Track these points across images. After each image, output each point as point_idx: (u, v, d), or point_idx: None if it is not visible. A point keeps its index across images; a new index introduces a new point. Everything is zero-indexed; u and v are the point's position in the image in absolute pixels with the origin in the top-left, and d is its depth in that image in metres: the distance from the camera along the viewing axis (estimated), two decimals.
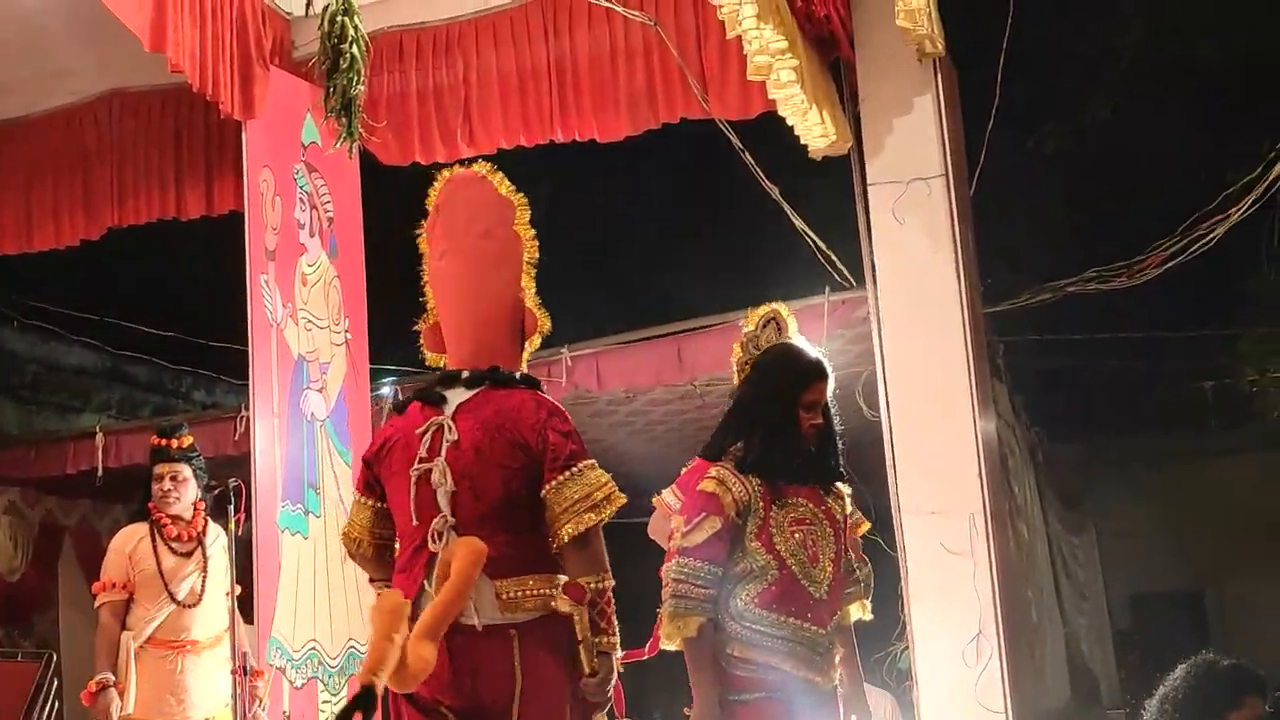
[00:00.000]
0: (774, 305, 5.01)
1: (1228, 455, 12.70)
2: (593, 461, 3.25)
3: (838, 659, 3.73)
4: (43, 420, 10.10)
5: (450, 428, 3.22)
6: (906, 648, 5.75)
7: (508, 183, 3.54)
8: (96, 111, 7.00)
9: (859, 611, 3.91)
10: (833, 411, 3.81)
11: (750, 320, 4.95)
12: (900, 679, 6.31)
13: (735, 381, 4.05)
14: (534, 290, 3.50)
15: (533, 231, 3.50)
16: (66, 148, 7.03)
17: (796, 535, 3.58)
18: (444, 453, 3.20)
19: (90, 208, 6.99)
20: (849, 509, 3.88)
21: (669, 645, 3.61)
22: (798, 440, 3.65)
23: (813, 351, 3.98)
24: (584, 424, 7.18)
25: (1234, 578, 13.16)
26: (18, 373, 9.78)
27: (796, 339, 4.58)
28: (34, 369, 10.06)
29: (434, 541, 3.16)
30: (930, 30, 5.49)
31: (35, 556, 8.98)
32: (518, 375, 3.38)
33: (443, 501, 3.18)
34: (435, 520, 3.18)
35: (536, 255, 3.50)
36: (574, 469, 3.19)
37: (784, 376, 3.74)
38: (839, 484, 3.84)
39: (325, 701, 5.98)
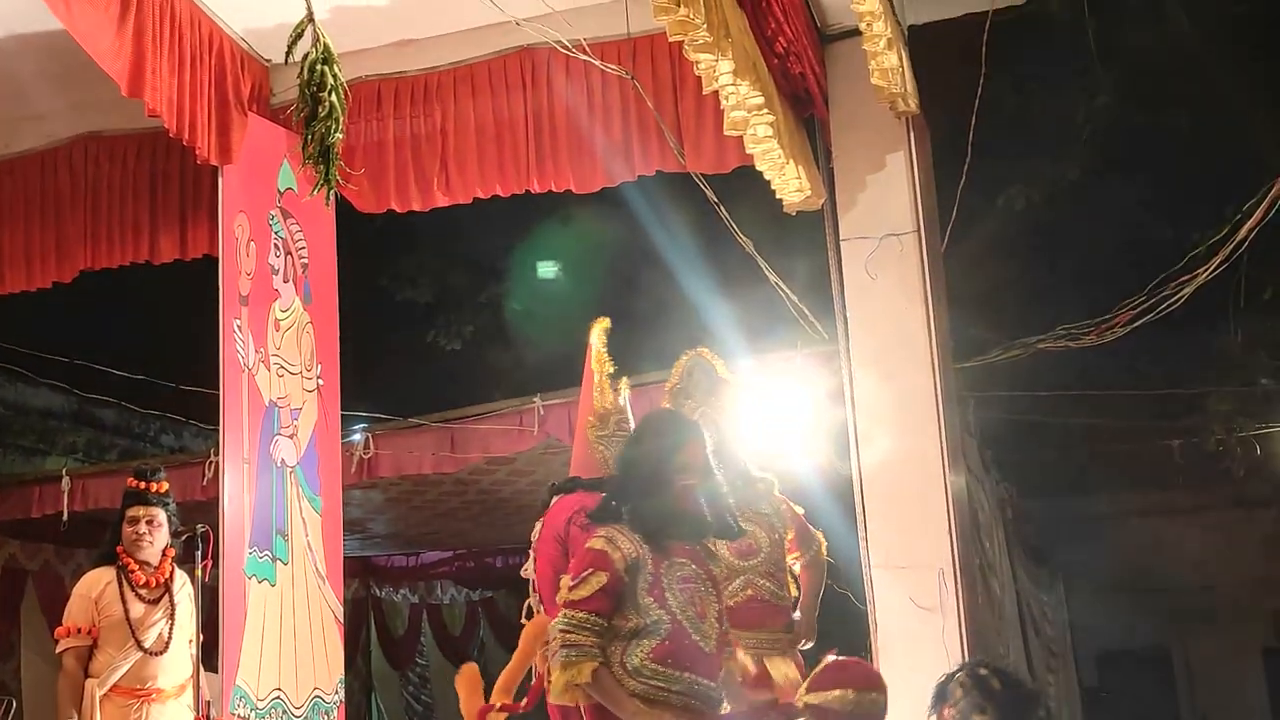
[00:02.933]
0: (698, 350, 5.09)
1: (1195, 513, 12.79)
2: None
3: (724, 712, 3.79)
4: (8, 463, 10.00)
5: None
6: None
7: None
8: (71, 154, 6.98)
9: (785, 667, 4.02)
10: (713, 469, 3.86)
11: (675, 371, 5.04)
12: None
13: None
14: None
15: None
16: (39, 190, 7.00)
17: (684, 593, 3.65)
18: None
19: (62, 250, 6.95)
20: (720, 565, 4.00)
21: (561, 699, 3.64)
22: (674, 501, 3.71)
23: (683, 415, 4.16)
24: (557, 473, 7.17)
25: (1201, 635, 13.21)
26: None
27: (725, 380, 4.69)
28: (0, 411, 9.97)
29: None
30: (904, 89, 5.58)
31: None
32: None
33: None
34: None
35: None
36: None
37: (657, 439, 3.82)
38: (715, 540, 3.92)
39: None
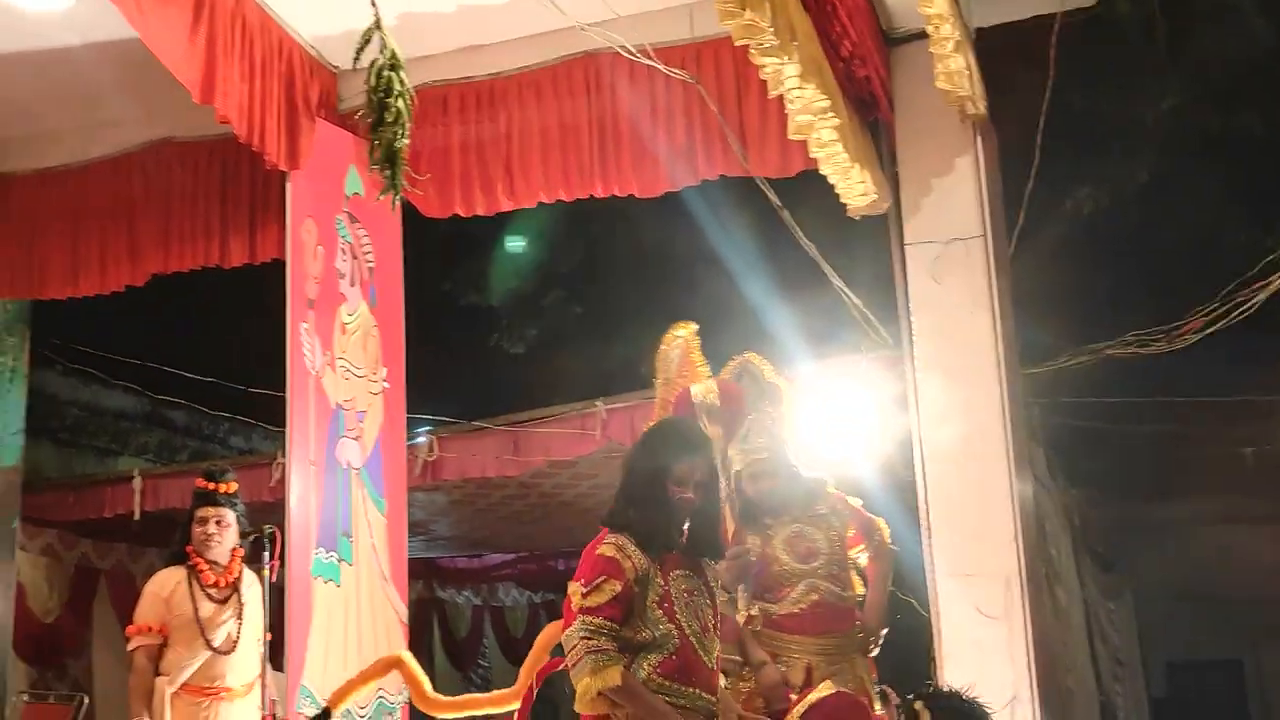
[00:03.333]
0: (746, 355, 5.09)
1: (1267, 521, 12.54)
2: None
3: None
4: (81, 463, 10.18)
5: None
6: None
7: None
8: (144, 159, 7.12)
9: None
10: (716, 484, 3.83)
11: (722, 375, 5.03)
12: None
13: None
14: None
15: None
16: (114, 195, 7.15)
17: (690, 607, 3.63)
18: None
19: (135, 254, 7.09)
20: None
21: (592, 709, 3.57)
22: (671, 515, 3.67)
23: (694, 426, 4.07)
24: (617, 477, 7.19)
25: (1273, 646, 12.95)
26: (58, 416, 9.86)
27: (776, 384, 4.68)
28: (75, 412, 10.15)
29: None
30: (970, 92, 5.53)
31: (70, 599, 9.03)
32: None
33: None
34: None
35: None
36: None
37: (656, 451, 3.77)
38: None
39: None
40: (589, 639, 3.49)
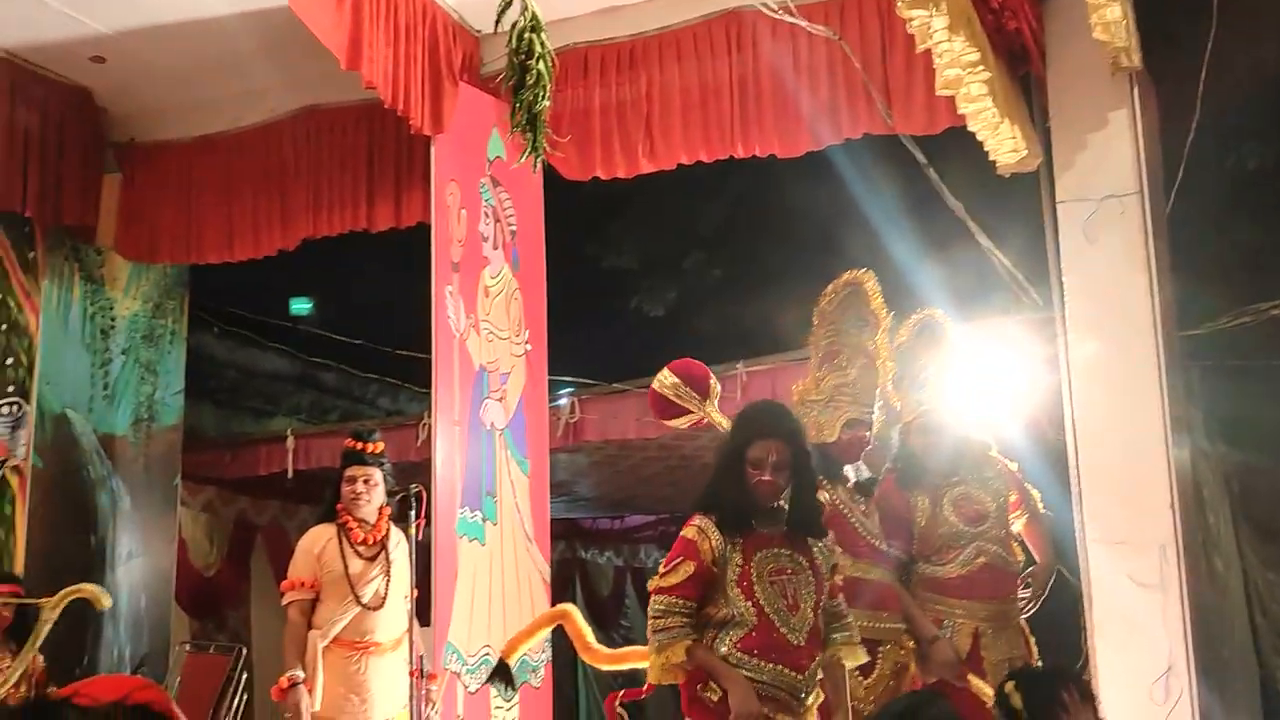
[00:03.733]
0: (929, 309, 4.96)
1: None
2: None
3: (813, 703, 3.82)
4: (238, 423, 10.52)
5: None
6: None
7: None
8: (293, 127, 7.29)
9: (851, 658, 3.97)
10: (807, 465, 3.86)
11: (904, 329, 4.93)
12: None
13: None
14: None
15: None
16: (264, 162, 7.34)
17: (775, 585, 3.73)
18: None
19: (287, 219, 7.27)
20: (832, 558, 3.97)
21: (661, 679, 3.78)
22: (747, 497, 3.78)
23: (774, 409, 4.07)
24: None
25: None
26: (216, 377, 10.19)
27: (951, 342, 4.60)
28: (231, 374, 10.48)
29: None
30: (1127, 43, 5.31)
31: (229, 553, 9.35)
32: None
33: None
34: None
35: None
36: None
37: (734, 434, 3.90)
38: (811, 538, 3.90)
39: (498, 707, 6.07)
40: (658, 618, 3.73)
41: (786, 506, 3.83)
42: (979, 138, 5.36)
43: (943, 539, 4.79)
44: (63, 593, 4.49)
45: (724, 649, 3.70)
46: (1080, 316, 5.64)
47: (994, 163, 5.65)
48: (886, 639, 4.54)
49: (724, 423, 4.46)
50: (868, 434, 4.66)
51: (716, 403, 4.74)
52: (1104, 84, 5.64)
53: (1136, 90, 5.65)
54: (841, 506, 4.59)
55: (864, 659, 4.06)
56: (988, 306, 6.78)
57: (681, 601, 3.71)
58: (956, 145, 5.98)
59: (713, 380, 4.81)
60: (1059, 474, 5.68)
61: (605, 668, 4.95)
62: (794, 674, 3.71)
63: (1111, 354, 5.52)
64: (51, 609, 4.41)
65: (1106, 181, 5.60)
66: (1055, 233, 5.75)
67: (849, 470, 4.71)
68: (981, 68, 4.91)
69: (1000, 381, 6.17)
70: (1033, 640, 4.89)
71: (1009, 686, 2.97)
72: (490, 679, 4.77)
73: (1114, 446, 5.42)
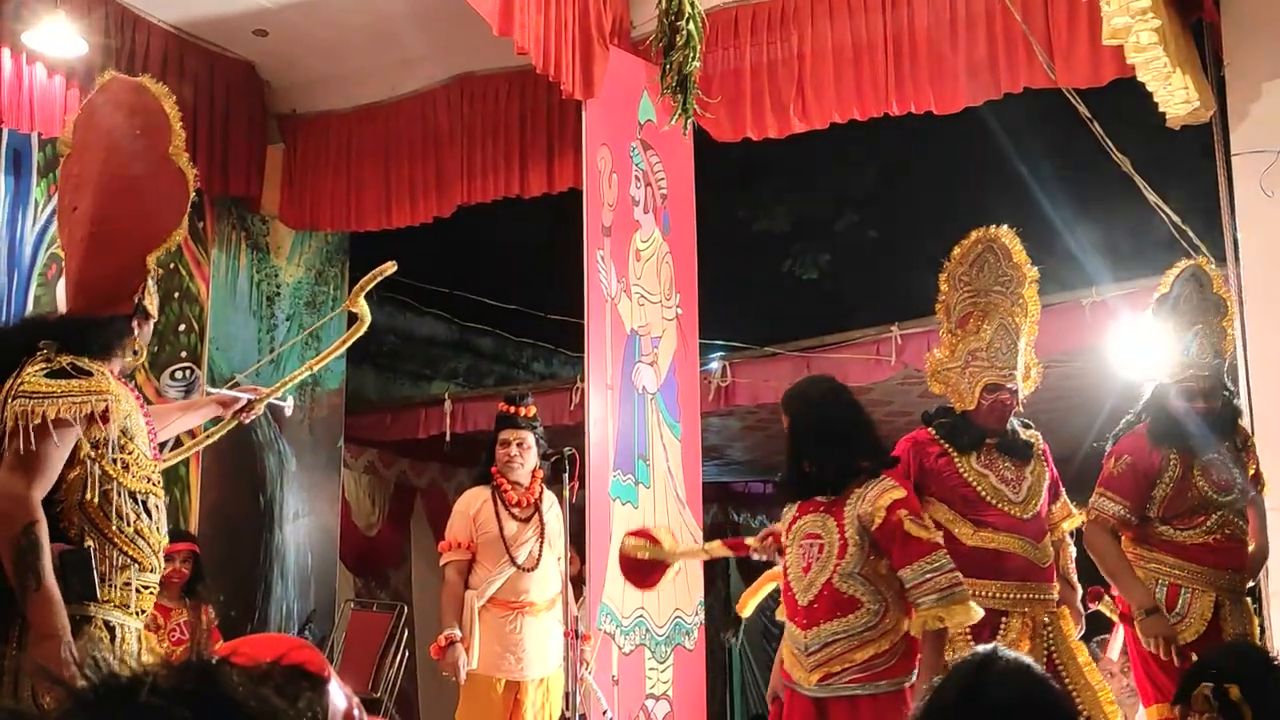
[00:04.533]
0: (1196, 260, 4.75)
1: None
2: None
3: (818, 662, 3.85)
4: (398, 387, 10.77)
5: None
6: None
7: None
8: (447, 95, 7.39)
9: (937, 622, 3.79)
10: (805, 428, 4.05)
11: (1164, 280, 4.71)
12: None
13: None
14: None
15: None
16: (420, 130, 7.47)
17: (800, 548, 3.93)
18: None
19: (442, 186, 7.40)
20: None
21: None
22: (787, 469, 4.09)
23: (814, 383, 4.49)
24: (915, 404, 7.02)
25: None
26: (377, 342, 10.42)
27: (1221, 297, 4.45)
28: (391, 339, 10.72)
29: None
30: None
31: (390, 514, 9.60)
32: None
33: None
34: None
35: None
36: None
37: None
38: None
39: (652, 669, 6.11)
40: (950, 571, 3.77)
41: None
42: (1149, 89, 5.13)
43: (1190, 504, 4.56)
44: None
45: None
46: (1256, 275, 5.39)
47: (1163, 115, 5.41)
48: (1013, 610, 4.38)
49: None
50: (1009, 397, 4.50)
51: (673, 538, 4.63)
52: None
53: None
54: (967, 474, 4.46)
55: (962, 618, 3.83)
56: (1147, 266, 6.53)
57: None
58: (1118, 98, 5.74)
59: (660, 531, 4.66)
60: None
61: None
62: (798, 633, 3.90)
63: None
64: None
65: None
66: (1230, 187, 5.49)
67: (1014, 422, 4.56)
68: (1151, 14, 4.69)
69: (1167, 342, 5.93)
70: (1257, 620, 4.67)
71: (1235, 693, 2.74)
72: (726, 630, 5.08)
73: None
